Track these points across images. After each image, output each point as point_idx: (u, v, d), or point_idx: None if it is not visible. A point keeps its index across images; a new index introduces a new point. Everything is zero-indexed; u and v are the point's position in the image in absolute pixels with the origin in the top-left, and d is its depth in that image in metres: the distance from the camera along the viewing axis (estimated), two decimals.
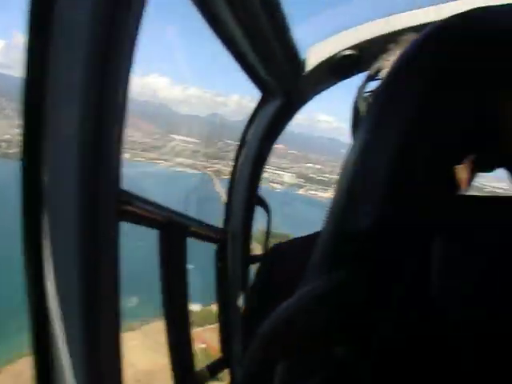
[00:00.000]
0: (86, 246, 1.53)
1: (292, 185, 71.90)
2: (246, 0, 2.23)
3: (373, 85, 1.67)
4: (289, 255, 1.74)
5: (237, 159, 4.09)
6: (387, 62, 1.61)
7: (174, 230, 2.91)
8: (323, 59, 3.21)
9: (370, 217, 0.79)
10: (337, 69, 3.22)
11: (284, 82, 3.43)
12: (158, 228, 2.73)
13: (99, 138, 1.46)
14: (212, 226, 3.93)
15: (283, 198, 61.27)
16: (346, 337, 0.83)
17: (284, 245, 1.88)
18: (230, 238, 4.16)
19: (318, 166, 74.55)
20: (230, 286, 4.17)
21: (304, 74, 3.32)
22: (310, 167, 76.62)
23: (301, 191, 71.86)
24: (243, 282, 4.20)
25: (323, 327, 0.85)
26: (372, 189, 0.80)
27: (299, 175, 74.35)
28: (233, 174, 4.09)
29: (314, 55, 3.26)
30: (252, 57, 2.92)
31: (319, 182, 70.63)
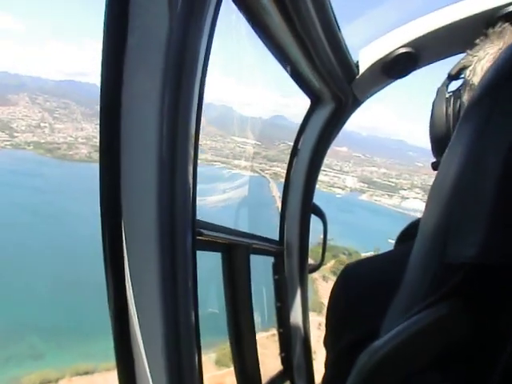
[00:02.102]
0: (166, 276, 1.65)
1: (354, 189, 68.59)
2: (296, 6, 2.17)
3: (455, 85, 1.65)
4: (364, 278, 1.68)
5: (290, 167, 4.05)
6: (473, 59, 1.50)
7: (237, 251, 2.95)
8: (376, 60, 3.11)
9: (476, 246, 0.73)
10: (391, 68, 3.08)
11: (336, 87, 3.34)
12: (221, 251, 2.78)
13: (175, 154, 1.56)
14: (269, 239, 3.88)
15: (344, 204, 58.53)
16: (453, 373, 0.82)
17: (357, 266, 1.83)
18: (286, 250, 4.10)
19: (384, 170, 70.60)
20: (289, 298, 4.14)
21: (357, 77, 3.24)
22: (374, 171, 72.81)
23: (363, 197, 68.23)
24: (302, 294, 4.20)
25: (428, 362, 0.84)
26: (477, 214, 0.74)
27: (362, 179, 71.01)
28: (286, 182, 4.07)
29: (366, 56, 3.16)
30: (302, 64, 2.91)
31: (384, 187, 66.81)
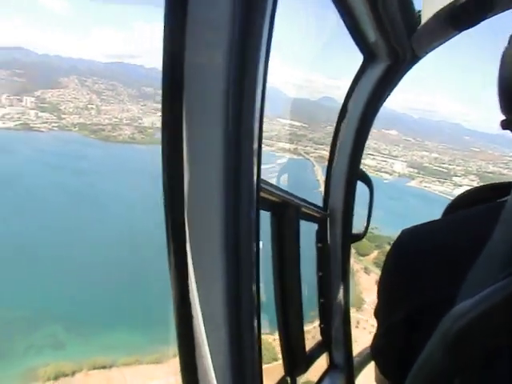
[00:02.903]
0: (229, 235, 1.77)
1: (403, 175, 65.03)
2: None
3: None
4: (424, 244, 1.64)
5: (337, 131, 4.19)
6: None
7: (288, 211, 3.03)
8: (443, 6, 2.88)
9: None
10: (459, 17, 2.87)
11: (394, 40, 3.29)
12: (272, 210, 2.85)
13: (240, 130, 1.67)
14: (314, 204, 4.00)
15: (391, 190, 54.88)
16: None
17: (414, 233, 1.77)
18: (330, 217, 4.23)
19: (435, 155, 66.23)
20: (331, 266, 4.23)
21: (418, 27, 3.14)
22: (425, 156, 68.19)
23: (412, 183, 64.14)
24: (343, 264, 4.32)
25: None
26: None
27: (412, 164, 67.13)
28: (333, 147, 4.17)
29: (431, 3, 2.95)
30: (361, 12, 2.87)
31: (435, 173, 62.33)
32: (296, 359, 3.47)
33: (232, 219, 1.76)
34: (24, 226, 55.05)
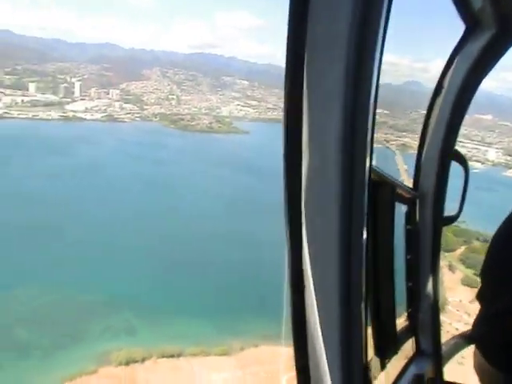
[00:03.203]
0: (343, 219, 1.93)
1: (497, 164, 58.79)
2: None
3: None
4: None
5: (430, 109, 3.87)
6: None
7: (383, 190, 2.89)
8: None
9: None
10: None
11: (504, 4, 3.10)
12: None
13: (354, 126, 1.82)
14: (404, 184, 3.78)
15: (482, 180, 49.52)
16: None
17: None
18: (420, 198, 3.99)
19: None
20: (421, 249, 4.02)
21: None
22: None
23: (508, 173, 57.47)
24: (434, 247, 4.09)
25: None
26: None
27: (509, 152, 60.57)
28: (425, 126, 3.89)
29: None
30: None
31: None
32: (386, 341, 3.37)
33: (346, 206, 1.92)
34: (103, 214, 57.42)
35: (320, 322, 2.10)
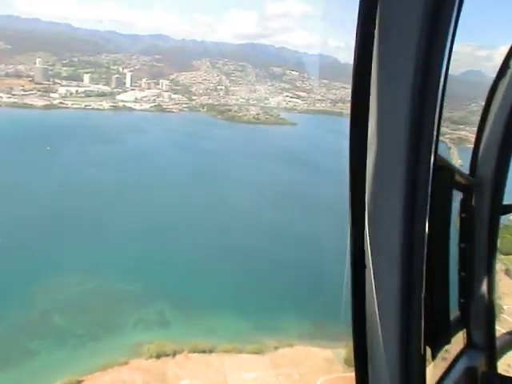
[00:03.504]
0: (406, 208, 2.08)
1: None
2: None
3: None
4: None
5: (492, 92, 3.74)
6: None
7: (441, 175, 2.79)
8: None
9: None
10: None
11: None
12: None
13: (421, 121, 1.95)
14: (463, 171, 3.71)
15: None
16: None
17: None
18: (477, 185, 3.91)
19: None
20: (476, 238, 3.94)
21: None
22: None
23: None
24: (490, 236, 3.98)
25: None
26: None
27: None
28: (485, 111, 3.80)
29: None
30: None
31: None
32: (438, 331, 3.18)
33: (410, 193, 2.03)
34: (146, 203, 57.70)
35: (380, 308, 2.18)
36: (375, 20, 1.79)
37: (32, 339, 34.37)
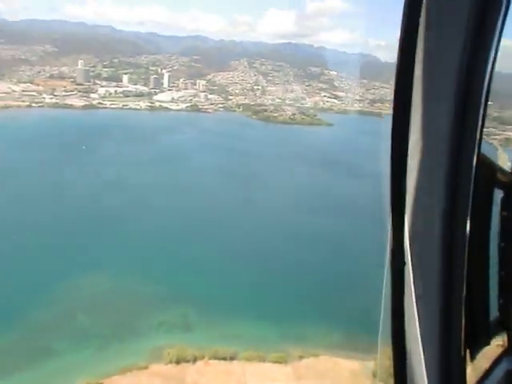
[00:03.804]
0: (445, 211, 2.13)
1: None
2: None
3: None
4: None
5: None
6: None
7: (484, 171, 2.81)
8: None
9: None
10: None
11: None
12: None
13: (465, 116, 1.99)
14: (503, 168, 3.65)
15: None
16: None
17: None
18: None
19: None
20: None
21: None
22: None
23: None
24: None
25: None
26: None
27: None
28: None
29: None
30: None
31: None
32: (478, 332, 3.12)
33: (451, 192, 2.05)
34: (174, 204, 57.49)
35: (419, 308, 2.18)
36: (419, 17, 1.78)
37: (53, 339, 34.15)
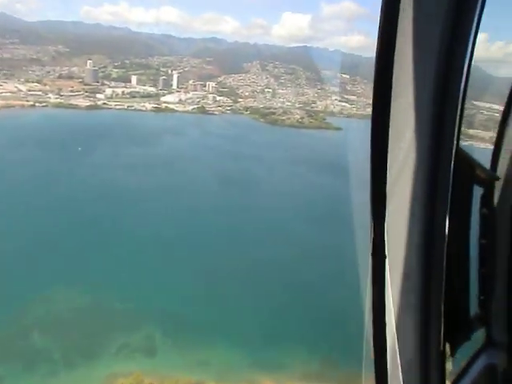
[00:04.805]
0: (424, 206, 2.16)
1: None
2: None
3: None
4: None
5: None
6: None
7: (463, 169, 2.84)
8: None
9: None
10: None
11: None
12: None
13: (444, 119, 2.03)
14: (483, 165, 3.70)
15: None
16: None
17: None
18: (499, 180, 3.86)
19: None
20: (497, 235, 3.95)
21: None
22: None
23: None
24: (511, 231, 3.95)
25: None
26: None
27: None
28: (509, 102, 3.85)
29: None
30: None
31: None
32: (457, 327, 3.19)
33: (430, 190, 2.09)
34: (164, 210, 54.87)
35: (399, 304, 2.22)
36: (397, 17, 1.82)
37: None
